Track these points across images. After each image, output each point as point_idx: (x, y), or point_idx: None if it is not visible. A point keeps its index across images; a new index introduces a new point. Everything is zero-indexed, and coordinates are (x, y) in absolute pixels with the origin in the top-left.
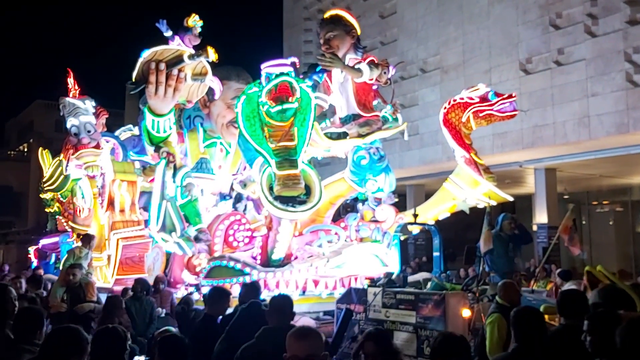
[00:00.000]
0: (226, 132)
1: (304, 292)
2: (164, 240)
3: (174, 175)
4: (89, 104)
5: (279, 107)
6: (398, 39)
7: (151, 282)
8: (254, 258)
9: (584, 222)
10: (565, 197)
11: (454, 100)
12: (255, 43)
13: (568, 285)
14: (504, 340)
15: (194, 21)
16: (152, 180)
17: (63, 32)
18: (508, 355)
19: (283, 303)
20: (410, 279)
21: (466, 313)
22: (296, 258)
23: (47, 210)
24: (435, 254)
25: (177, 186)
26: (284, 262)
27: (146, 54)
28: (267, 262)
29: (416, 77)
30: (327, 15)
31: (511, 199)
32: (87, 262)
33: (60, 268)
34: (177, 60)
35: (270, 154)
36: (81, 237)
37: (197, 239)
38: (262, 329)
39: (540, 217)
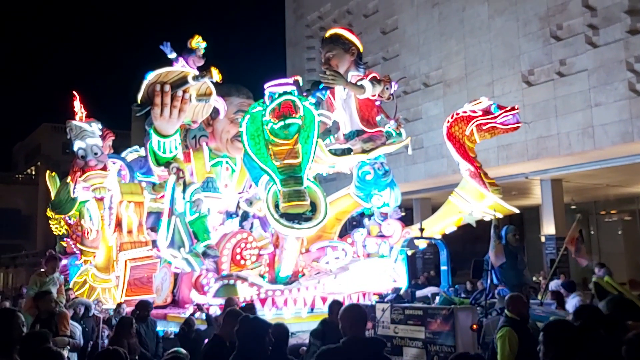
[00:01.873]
0: (231, 147)
1: (312, 309)
2: (173, 257)
3: (184, 191)
4: (95, 127)
5: (281, 123)
6: (400, 54)
7: (160, 301)
8: (262, 276)
9: (592, 232)
10: (573, 207)
11: (457, 114)
12: (259, 62)
13: (572, 297)
14: (515, 353)
15: (198, 42)
16: (162, 196)
17: (68, 56)
18: None
19: (358, 313)
20: (419, 293)
21: (475, 327)
22: (303, 275)
23: (51, 225)
24: (443, 268)
25: (186, 202)
26: (292, 279)
27: (151, 76)
28: (275, 280)
29: (419, 92)
30: (327, 34)
31: (517, 211)
32: (57, 289)
33: (27, 295)
34: (182, 81)
35: (275, 172)
36: (45, 260)
37: (205, 255)
38: (348, 337)
39: (548, 228)
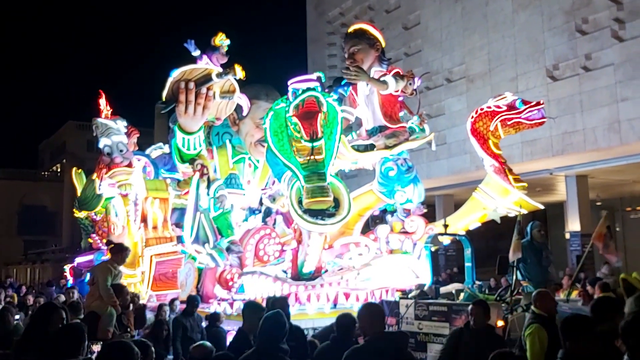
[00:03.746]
0: (254, 150)
1: (335, 305)
2: (197, 252)
3: (208, 187)
4: (121, 124)
5: (309, 144)
6: (422, 50)
7: (184, 296)
8: (285, 272)
9: (617, 229)
10: (598, 203)
11: (481, 109)
12: (280, 59)
13: None
14: (545, 350)
15: (221, 40)
16: (187, 192)
17: (92, 55)
18: None
19: (375, 310)
20: (443, 290)
21: (500, 323)
22: (326, 271)
23: (79, 223)
24: (467, 264)
25: (210, 198)
26: (315, 275)
27: (175, 74)
28: (298, 276)
29: (442, 87)
30: (351, 29)
31: (542, 207)
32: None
33: (103, 286)
34: (206, 78)
35: (299, 168)
36: (111, 248)
37: (229, 250)
38: (371, 335)
39: (573, 224)
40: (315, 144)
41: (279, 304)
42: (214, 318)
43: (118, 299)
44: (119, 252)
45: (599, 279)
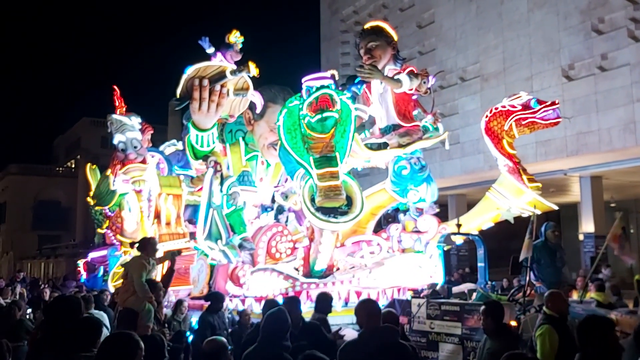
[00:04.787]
0: (267, 152)
1: (346, 303)
2: (210, 249)
3: (221, 184)
4: (135, 120)
5: (319, 116)
6: (437, 48)
7: (197, 293)
8: (297, 269)
9: (632, 231)
10: (612, 205)
11: (496, 109)
12: (294, 57)
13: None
14: (555, 351)
15: (235, 37)
16: (200, 189)
17: (107, 52)
18: None
19: (373, 306)
20: (455, 289)
21: (513, 324)
22: (338, 269)
23: (98, 230)
24: (480, 264)
25: (223, 195)
26: (326, 273)
27: (190, 71)
28: (310, 273)
29: (455, 86)
30: (368, 26)
31: (556, 208)
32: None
33: (138, 282)
34: (220, 76)
35: (311, 166)
36: (138, 246)
37: (241, 247)
38: (364, 329)
39: (587, 226)
40: (325, 114)
41: (288, 305)
42: (240, 315)
43: (153, 294)
44: (146, 245)
45: (599, 279)
